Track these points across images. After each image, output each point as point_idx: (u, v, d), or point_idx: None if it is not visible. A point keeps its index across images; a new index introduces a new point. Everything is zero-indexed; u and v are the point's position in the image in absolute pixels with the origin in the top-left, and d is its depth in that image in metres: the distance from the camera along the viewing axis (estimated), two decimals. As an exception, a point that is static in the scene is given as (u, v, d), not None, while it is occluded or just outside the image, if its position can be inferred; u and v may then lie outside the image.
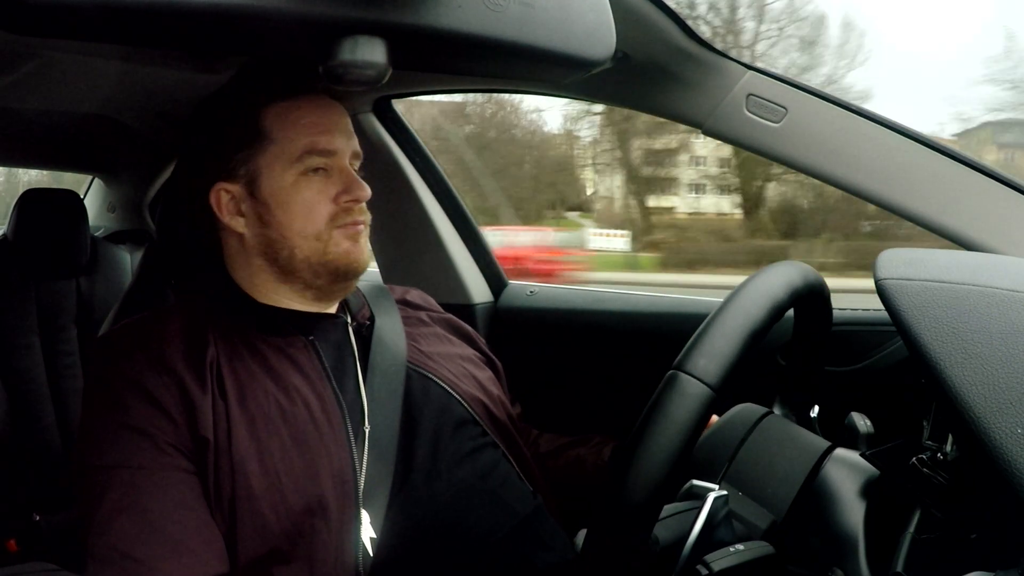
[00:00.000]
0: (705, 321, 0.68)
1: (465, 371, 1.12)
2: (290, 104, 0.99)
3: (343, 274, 1.01)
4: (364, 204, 1.02)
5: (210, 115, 1.04)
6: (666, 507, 0.74)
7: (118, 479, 0.87)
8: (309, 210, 0.98)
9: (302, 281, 1.01)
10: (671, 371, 0.65)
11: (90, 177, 2.59)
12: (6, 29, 0.62)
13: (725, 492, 0.76)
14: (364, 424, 0.96)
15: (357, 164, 1.04)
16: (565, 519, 1.07)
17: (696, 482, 0.78)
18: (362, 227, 1.02)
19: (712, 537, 0.74)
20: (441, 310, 1.25)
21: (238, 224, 1.01)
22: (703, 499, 0.74)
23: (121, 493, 0.87)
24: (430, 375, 1.07)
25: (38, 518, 1.72)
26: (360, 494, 0.92)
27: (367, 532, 0.91)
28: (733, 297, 0.69)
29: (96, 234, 2.17)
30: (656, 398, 0.64)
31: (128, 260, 2.07)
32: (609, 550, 0.61)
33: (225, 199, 1.01)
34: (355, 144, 1.03)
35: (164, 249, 1.20)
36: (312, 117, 0.99)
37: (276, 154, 0.98)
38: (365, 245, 1.03)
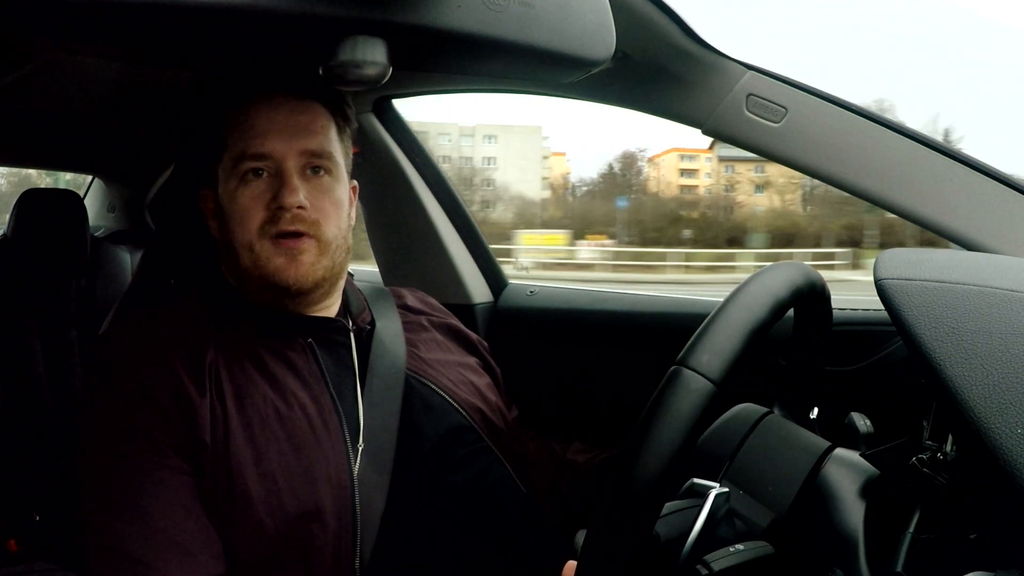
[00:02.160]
0: (708, 317, 0.68)
1: (463, 378, 1.12)
2: (242, 110, 0.98)
3: (282, 291, 0.97)
4: (304, 212, 0.95)
5: (195, 123, 1.06)
6: (667, 504, 0.74)
7: (117, 479, 0.87)
8: (242, 217, 0.96)
9: (252, 293, 1.00)
10: (674, 366, 0.65)
11: (90, 177, 2.59)
12: (6, 29, 0.62)
13: (727, 489, 0.76)
14: (361, 433, 0.96)
15: (324, 163, 0.99)
16: (561, 522, 1.07)
17: (697, 480, 0.78)
18: (300, 242, 0.95)
19: (713, 534, 0.74)
20: (442, 311, 1.24)
21: (213, 229, 1.03)
22: (704, 497, 0.74)
23: (120, 493, 0.87)
24: (429, 382, 1.06)
25: (38, 518, 1.72)
26: (357, 500, 0.92)
27: (363, 538, 0.91)
28: (736, 294, 0.70)
29: (96, 234, 2.17)
30: (659, 393, 0.64)
31: (128, 260, 2.08)
32: (610, 545, 0.61)
33: (210, 204, 1.03)
34: (307, 143, 0.97)
35: (164, 249, 1.20)
36: (251, 120, 0.97)
37: (225, 161, 0.99)
38: (308, 261, 0.96)
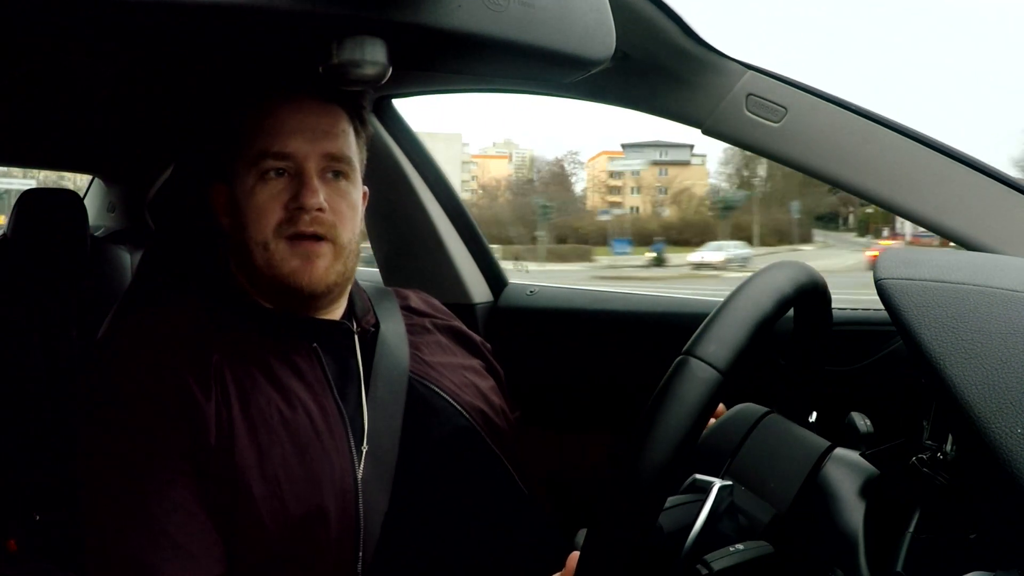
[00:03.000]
0: (714, 310, 0.68)
1: (467, 380, 1.11)
2: (266, 108, 0.98)
3: (294, 293, 0.97)
4: (323, 215, 0.95)
5: (205, 117, 1.05)
6: (670, 498, 0.75)
7: (119, 481, 0.87)
8: (260, 215, 0.96)
9: (262, 293, 1.00)
10: (681, 356, 0.65)
11: (90, 177, 2.59)
12: (6, 28, 0.62)
13: (730, 483, 0.76)
14: (364, 436, 0.96)
15: (343, 167, 0.99)
16: (562, 525, 1.07)
17: (699, 476, 0.78)
18: (318, 246, 0.95)
19: (716, 529, 0.74)
20: (445, 313, 1.24)
21: (225, 224, 1.02)
22: (707, 492, 0.74)
23: (122, 495, 0.87)
24: (432, 386, 1.06)
25: (38, 518, 1.72)
26: (360, 504, 0.92)
27: (366, 541, 0.91)
28: (742, 288, 0.70)
29: (96, 234, 2.17)
30: (666, 382, 0.64)
31: (128, 260, 2.08)
32: (615, 533, 0.61)
33: (221, 199, 1.02)
34: (329, 146, 0.98)
35: (164, 249, 1.20)
36: (275, 119, 0.97)
37: (245, 157, 0.98)
38: (323, 265, 0.96)
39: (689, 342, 0.66)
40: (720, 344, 0.65)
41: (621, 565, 0.61)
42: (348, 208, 0.99)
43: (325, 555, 0.89)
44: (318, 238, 0.96)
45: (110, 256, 2.04)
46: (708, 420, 0.65)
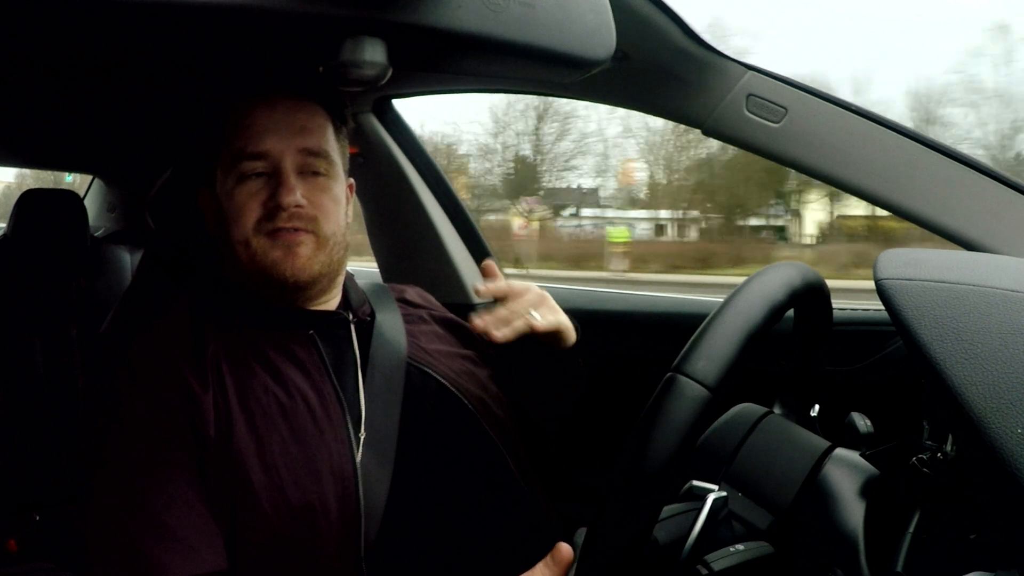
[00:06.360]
0: (703, 323, 0.67)
1: (465, 368, 1.12)
2: (241, 109, 0.98)
3: (279, 285, 0.97)
4: (301, 211, 0.96)
5: (191, 121, 1.06)
6: (665, 508, 0.74)
7: (120, 475, 0.88)
8: (239, 215, 0.97)
9: (251, 289, 1.00)
10: (669, 373, 0.64)
11: (90, 177, 2.59)
12: (6, 28, 0.62)
13: (724, 493, 0.76)
14: (362, 423, 0.96)
15: (321, 162, 0.99)
16: (561, 517, 1.07)
17: (696, 483, 0.78)
18: (298, 235, 0.96)
19: (712, 538, 0.74)
20: (441, 307, 1.24)
21: (211, 227, 1.03)
22: (703, 500, 0.74)
23: (122, 489, 0.87)
24: (430, 371, 1.06)
25: (38, 518, 1.72)
26: (360, 490, 0.92)
27: (367, 527, 0.92)
28: (732, 299, 0.69)
29: (96, 234, 2.17)
30: (654, 400, 0.64)
31: (128, 260, 2.07)
32: (608, 552, 0.61)
33: (207, 203, 1.03)
34: (304, 141, 0.98)
35: (164, 249, 1.20)
36: (250, 120, 0.97)
37: (223, 160, 0.99)
38: (305, 254, 0.96)
39: (678, 358, 0.65)
40: (708, 360, 0.64)
41: None
42: (330, 202, 0.99)
43: (327, 541, 0.89)
44: (298, 230, 0.96)
45: (110, 256, 2.03)
46: (698, 437, 0.65)
